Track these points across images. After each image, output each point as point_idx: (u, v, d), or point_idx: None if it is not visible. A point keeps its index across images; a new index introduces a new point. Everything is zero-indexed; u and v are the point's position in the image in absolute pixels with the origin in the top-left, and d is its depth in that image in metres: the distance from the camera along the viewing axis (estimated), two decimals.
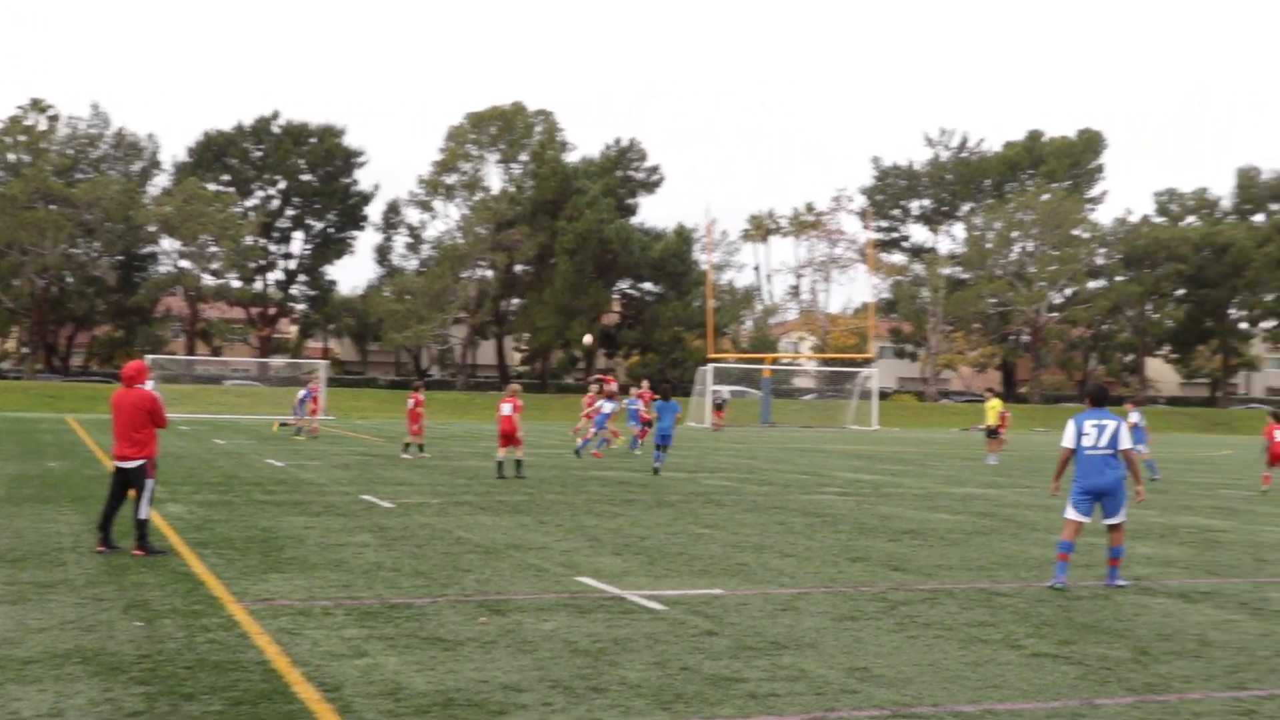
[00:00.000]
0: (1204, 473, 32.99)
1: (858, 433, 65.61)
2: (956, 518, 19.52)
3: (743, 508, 20.34)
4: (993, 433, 35.89)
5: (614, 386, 36.66)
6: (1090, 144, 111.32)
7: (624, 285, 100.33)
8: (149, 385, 13.85)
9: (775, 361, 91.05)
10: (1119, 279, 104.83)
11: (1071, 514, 12.71)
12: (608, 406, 33.92)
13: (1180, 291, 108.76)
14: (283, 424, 46.65)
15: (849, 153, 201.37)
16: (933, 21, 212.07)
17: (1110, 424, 12.74)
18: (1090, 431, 12.78)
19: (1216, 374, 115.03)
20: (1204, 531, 18.36)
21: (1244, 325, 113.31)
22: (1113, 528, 12.73)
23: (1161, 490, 26.59)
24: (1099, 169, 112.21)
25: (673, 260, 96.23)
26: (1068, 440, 12.85)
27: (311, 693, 7.68)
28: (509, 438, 25.14)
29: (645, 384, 40.14)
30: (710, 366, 74.15)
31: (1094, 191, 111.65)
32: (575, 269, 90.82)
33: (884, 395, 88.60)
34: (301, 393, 41.64)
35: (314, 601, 10.77)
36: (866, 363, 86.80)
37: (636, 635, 9.63)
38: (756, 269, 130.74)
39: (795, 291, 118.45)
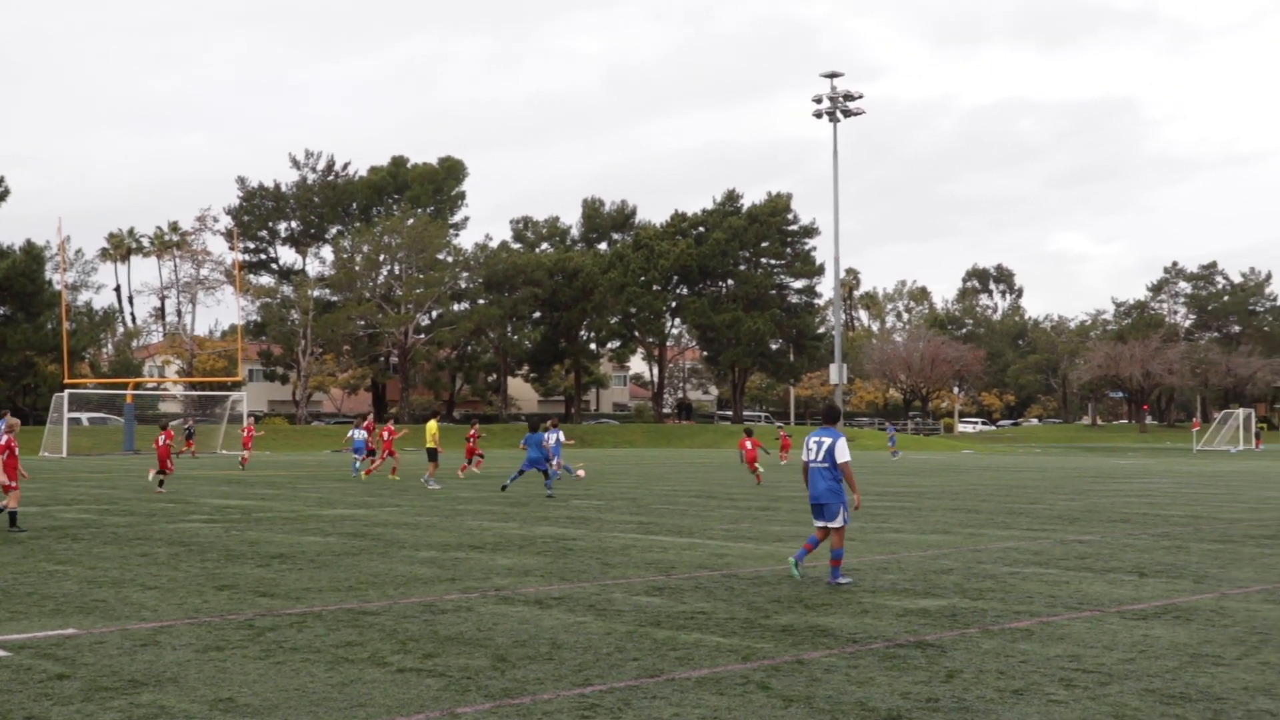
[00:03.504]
0: (559, 486, 34.98)
1: (228, 457, 64.02)
2: (327, 540, 19.58)
3: (102, 540, 19.32)
4: (433, 455, 36.36)
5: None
6: (452, 171, 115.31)
7: None
8: None
9: (139, 386, 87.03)
10: (481, 302, 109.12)
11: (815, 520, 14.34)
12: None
13: (537, 314, 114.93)
14: None
15: (214, 172, 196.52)
16: (294, 40, 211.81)
17: (828, 440, 14.11)
18: (812, 447, 14.22)
19: (571, 391, 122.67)
20: (558, 540, 19.52)
21: (593, 346, 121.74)
22: (833, 531, 14.16)
23: (521, 504, 28.03)
24: (461, 196, 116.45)
25: (21, 279, 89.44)
26: (804, 455, 14.32)
27: None
28: None
29: (370, 416, 45.54)
30: (66, 393, 69.88)
31: (456, 217, 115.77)
32: None
33: (255, 419, 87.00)
34: None
35: None
36: (236, 386, 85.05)
37: None
38: (117, 290, 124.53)
39: (160, 313, 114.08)
